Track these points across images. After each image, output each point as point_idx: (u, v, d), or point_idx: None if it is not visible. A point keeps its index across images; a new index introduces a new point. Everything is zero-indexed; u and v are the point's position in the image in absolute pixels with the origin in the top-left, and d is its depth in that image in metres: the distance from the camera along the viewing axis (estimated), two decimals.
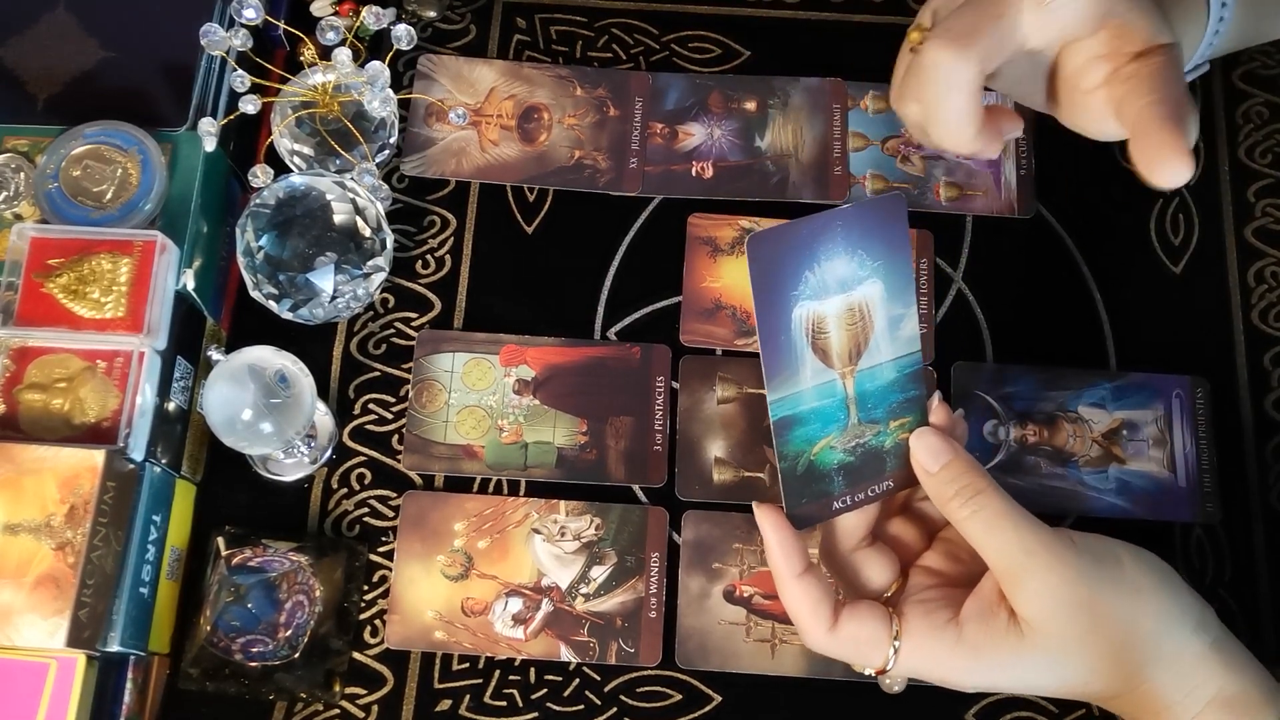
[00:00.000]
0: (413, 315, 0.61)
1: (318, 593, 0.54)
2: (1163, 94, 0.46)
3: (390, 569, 0.57)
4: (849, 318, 0.44)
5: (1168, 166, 0.45)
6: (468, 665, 0.56)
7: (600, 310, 0.62)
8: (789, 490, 0.46)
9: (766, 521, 0.46)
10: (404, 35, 0.58)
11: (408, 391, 0.60)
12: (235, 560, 0.54)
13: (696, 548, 0.57)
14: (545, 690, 0.55)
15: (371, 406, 0.60)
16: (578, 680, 0.55)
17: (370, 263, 0.56)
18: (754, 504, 0.47)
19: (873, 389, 0.46)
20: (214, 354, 0.54)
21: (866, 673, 0.47)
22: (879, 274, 0.44)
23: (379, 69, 0.57)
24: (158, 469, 0.53)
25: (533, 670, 0.56)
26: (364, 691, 0.55)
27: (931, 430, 0.46)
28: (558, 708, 0.55)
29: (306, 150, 0.59)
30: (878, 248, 0.43)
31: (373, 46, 0.65)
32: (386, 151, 0.61)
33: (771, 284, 0.42)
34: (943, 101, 0.48)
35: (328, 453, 0.58)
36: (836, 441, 0.46)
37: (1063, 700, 0.55)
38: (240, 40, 0.56)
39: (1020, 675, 0.45)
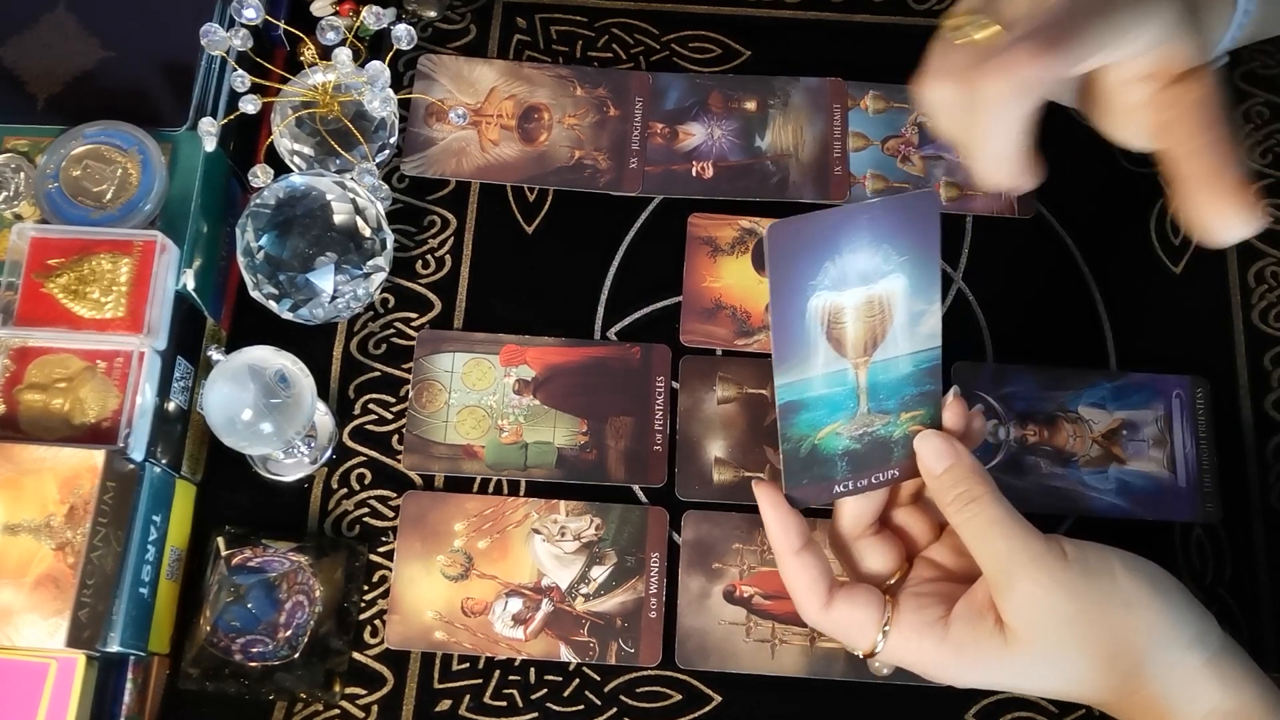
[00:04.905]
0: (413, 315, 0.61)
1: (318, 593, 0.54)
2: (1210, 135, 0.42)
3: (390, 569, 0.57)
4: (868, 310, 0.44)
5: (1227, 226, 0.41)
6: (468, 665, 0.56)
7: (600, 310, 0.61)
8: (789, 471, 0.46)
9: (765, 499, 0.47)
10: (404, 35, 0.58)
11: (408, 391, 0.59)
12: (235, 560, 0.54)
13: (696, 548, 0.57)
14: (545, 690, 0.55)
15: (371, 406, 0.60)
16: (578, 680, 0.55)
17: (370, 263, 0.56)
18: (753, 481, 0.47)
19: (886, 381, 0.45)
20: (214, 354, 0.54)
21: (856, 653, 0.47)
22: (904, 269, 0.43)
23: (379, 69, 0.57)
24: (158, 469, 0.53)
25: (533, 670, 0.56)
26: (364, 691, 0.55)
27: (937, 433, 0.47)
28: (558, 708, 0.55)
29: (306, 150, 0.59)
30: (905, 243, 0.43)
31: (373, 46, 0.65)
32: (386, 151, 0.61)
33: (789, 273, 0.42)
34: (1006, 116, 0.42)
35: (328, 453, 0.58)
36: (843, 429, 0.46)
37: (1063, 701, 0.55)
38: (240, 40, 0.56)
39: (1001, 678, 0.46)
